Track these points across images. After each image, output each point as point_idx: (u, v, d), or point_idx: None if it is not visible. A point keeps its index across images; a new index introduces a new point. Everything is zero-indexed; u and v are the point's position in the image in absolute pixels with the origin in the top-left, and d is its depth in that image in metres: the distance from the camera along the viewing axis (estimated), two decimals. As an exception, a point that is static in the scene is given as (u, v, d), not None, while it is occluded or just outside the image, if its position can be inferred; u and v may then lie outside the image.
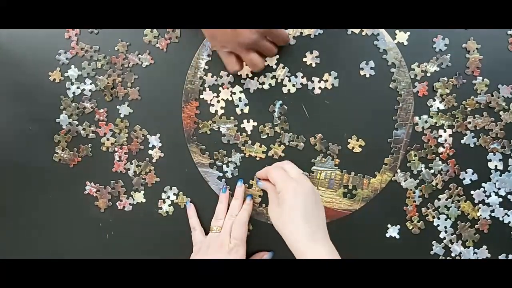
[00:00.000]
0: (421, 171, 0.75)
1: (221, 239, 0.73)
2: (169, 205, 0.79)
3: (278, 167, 0.70)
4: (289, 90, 0.76)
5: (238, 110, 0.77)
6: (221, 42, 0.69)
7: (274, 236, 0.76)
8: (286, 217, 0.64)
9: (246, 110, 0.77)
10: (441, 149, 0.75)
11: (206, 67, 0.77)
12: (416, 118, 0.75)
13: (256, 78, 0.77)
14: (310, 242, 0.62)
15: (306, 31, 0.76)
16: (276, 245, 0.77)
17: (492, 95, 0.74)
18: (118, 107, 0.78)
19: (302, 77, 0.76)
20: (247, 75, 0.77)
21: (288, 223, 0.64)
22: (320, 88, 0.76)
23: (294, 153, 0.77)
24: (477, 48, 0.74)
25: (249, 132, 0.77)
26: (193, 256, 0.75)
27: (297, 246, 0.62)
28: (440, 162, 0.75)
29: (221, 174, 0.78)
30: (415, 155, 0.75)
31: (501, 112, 0.74)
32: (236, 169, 0.78)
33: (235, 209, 0.75)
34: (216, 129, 0.78)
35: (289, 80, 0.76)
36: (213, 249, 0.72)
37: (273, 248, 0.77)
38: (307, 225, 0.63)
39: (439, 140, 0.75)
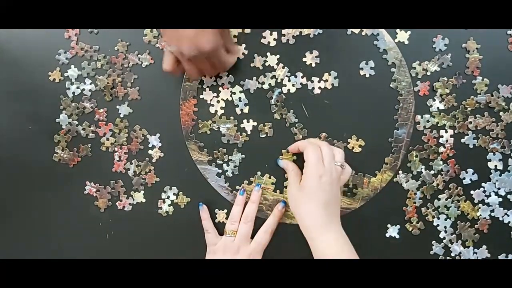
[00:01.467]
0: (421, 172, 0.75)
1: (237, 245, 0.73)
2: (169, 205, 0.79)
3: (316, 147, 0.68)
4: (289, 90, 0.76)
5: (238, 110, 0.77)
6: (167, 40, 0.68)
7: (276, 233, 0.77)
8: (306, 201, 0.65)
9: (246, 110, 0.77)
10: (441, 149, 0.75)
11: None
12: (418, 117, 0.75)
13: (255, 78, 0.77)
14: (323, 229, 0.64)
15: (305, 31, 0.76)
16: (275, 241, 0.77)
17: (492, 95, 0.74)
18: (117, 107, 0.78)
19: (302, 77, 0.76)
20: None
21: (306, 208, 0.65)
22: (320, 88, 0.76)
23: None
24: (477, 48, 0.74)
25: (249, 132, 0.77)
26: (209, 257, 0.75)
27: (310, 230, 0.64)
28: (440, 162, 0.75)
29: (220, 171, 0.78)
30: (416, 156, 0.75)
31: (501, 113, 0.74)
32: (236, 168, 0.78)
33: (250, 214, 0.76)
34: (216, 129, 0.78)
35: (289, 80, 0.76)
36: (230, 253, 0.73)
37: (272, 244, 0.77)
38: (324, 213, 0.64)
39: (440, 140, 0.75)
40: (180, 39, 0.65)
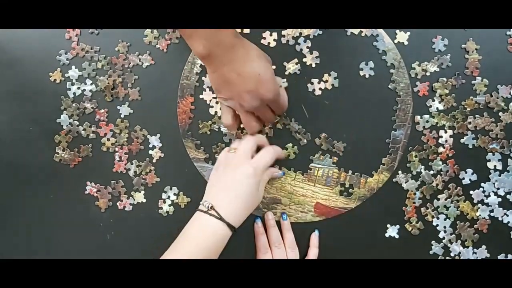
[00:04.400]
0: (421, 172, 0.76)
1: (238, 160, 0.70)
2: (169, 205, 0.79)
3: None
4: (314, 90, 0.77)
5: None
6: (225, 96, 0.68)
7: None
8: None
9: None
10: (441, 149, 0.75)
11: (203, 63, 0.77)
12: (418, 117, 0.75)
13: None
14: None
15: (305, 31, 0.76)
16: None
17: (491, 96, 0.74)
18: (118, 107, 0.79)
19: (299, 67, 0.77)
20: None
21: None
22: (320, 89, 0.76)
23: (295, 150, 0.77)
24: (476, 49, 0.74)
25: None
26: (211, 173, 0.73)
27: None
28: (440, 162, 0.75)
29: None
30: (415, 156, 0.75)
31: (500, 113, 0.74)
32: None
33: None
34: (217, 130, 0.78)
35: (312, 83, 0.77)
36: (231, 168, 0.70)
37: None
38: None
39: (440, 140, 0.75)
40: (240, 93, 0.65)
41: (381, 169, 0.76)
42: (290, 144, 0.77)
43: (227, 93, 0.67)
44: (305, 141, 0.77)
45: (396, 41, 0.75)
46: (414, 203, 0.76)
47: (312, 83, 0.76)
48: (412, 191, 0.76)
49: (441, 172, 0.75)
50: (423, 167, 0.76)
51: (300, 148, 0.77)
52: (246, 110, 0.67)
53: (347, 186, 0.77)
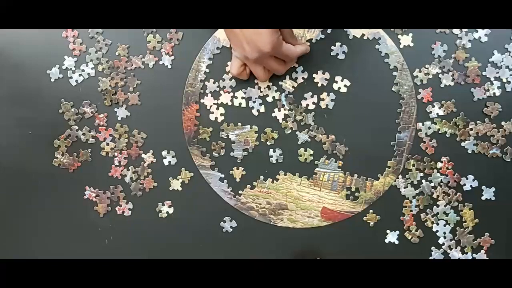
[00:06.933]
0: (422, 182, 0.76)
1: None
2: (169, 206, 0.78)
3: None
4: (307, 105, 0.77)
5: (244, 116, 0.77)
6: (232, 45, 0.71)
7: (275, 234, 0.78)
8: None
9: (255, 113, 0.78)
10: (439, 164, 0.75)
11: (207, 70, 0.77)
12: (420, 124, 0.75)
13: (256, 86, 0.77)
14: None
15: (308, 35, 0.76)
16: (274, 242, 0.78)
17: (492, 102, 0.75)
18: (116, 110, 0.78)
19: (303, 71, 0.77)
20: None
21: None
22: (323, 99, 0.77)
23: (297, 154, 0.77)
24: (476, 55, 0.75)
25: (255, 137, 0.77)
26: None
27: None
28: (438, 174, 0.76)
29: (223, 176, 0.78)
30: (413, 165, 0.76)
31: (502, 122, 0.75)
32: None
33: None
34: (225, 137, 0.78)
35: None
36: None
37: (271, 244, 0.78)
38: None
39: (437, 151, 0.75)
40: (241, 43, 0.66)
41: (386, 171, 0.76)
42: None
43: (233, 43, 0.70)
44: (321, 136, 0.77)
45: (401, 46, 0.76)
46: (411, 211, 0.76)
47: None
48: (408, 198, 0.76)
49: (441, 183, 0.76)
50: (423, 178, 0.76)
51: (305, 150, 0.77)
52: (251, 61, 0.69)
53: (353, 190, 0.77)
